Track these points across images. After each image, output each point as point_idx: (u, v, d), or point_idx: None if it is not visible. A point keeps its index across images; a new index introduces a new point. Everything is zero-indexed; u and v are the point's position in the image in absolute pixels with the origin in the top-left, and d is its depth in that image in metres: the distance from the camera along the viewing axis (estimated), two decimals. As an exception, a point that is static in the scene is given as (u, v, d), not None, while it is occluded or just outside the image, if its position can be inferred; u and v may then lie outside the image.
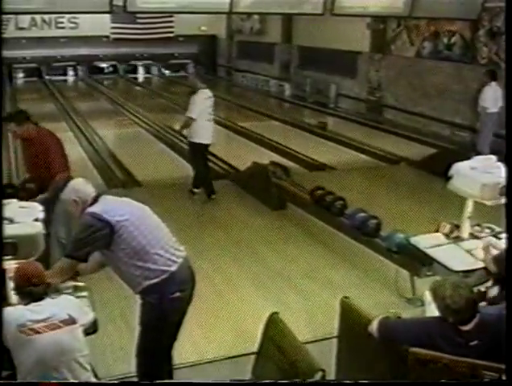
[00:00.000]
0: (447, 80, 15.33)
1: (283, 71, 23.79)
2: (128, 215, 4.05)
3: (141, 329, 4.14)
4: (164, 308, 4.01)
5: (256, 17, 24.30)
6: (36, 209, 4.61)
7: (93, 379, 3.62)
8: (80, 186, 4.26)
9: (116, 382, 4.46)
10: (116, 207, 4.10)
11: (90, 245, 3.99)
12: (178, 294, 4.04)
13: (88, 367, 3.58)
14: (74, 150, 12.97)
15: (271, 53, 24.53)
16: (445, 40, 15.49)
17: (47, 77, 26.94)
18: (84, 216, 4.06)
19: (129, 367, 4.45)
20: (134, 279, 4.04)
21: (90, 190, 4.22)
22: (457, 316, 3.46)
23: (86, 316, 3.70)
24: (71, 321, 3.50)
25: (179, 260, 4.14)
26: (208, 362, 5.02)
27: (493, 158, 5.79)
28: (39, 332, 3.38)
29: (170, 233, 4.28)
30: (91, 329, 3.77)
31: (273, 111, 19.54)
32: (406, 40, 17.05)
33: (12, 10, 7.98)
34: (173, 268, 4.06)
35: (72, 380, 3.43)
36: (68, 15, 24.07)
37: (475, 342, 3.43)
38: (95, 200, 4.14)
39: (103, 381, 4.51)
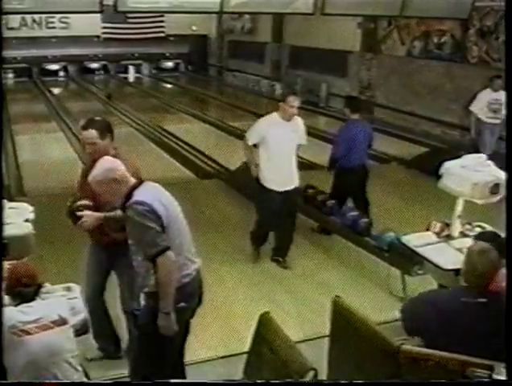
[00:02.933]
0: (437, 79, 15.37)
1: (274, 71, 23.81)
2: (171, 210, 3.91)
3: (137, 333, 4.12)
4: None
5: (247, 16, 24.31)
6: (27, 210, 4.59)
7: (85, 380, 3.61)
8: (114, 163, 3.98)
9: (110, 382, 4.45)
10: (160, 199, 3.88)
11: (159, 231, 3.76)
12: (183, 305, 3.95)
13: (79, 368, 3.57)
14: (65, 150, 12.98)
15: (262, 52, 24.54)
16: (435, 39, 15.54)
17: (37, 77, 26.87)
18: (132, 206, 3.77)
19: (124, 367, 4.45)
20: (146, 278, 3.90)
21: (124, 168, 3.96)
22: (483, 280, 3.71)
23: (77, 316, 3.68)
24: (61, 321, 3.49)
25: (194, 273, 4.05)
26: (201, 362, 5.01)
27: (484, 156, 5.81)
28: (29, 333, 3.37)
29: (191, 239, 4.18)
30: (82, 329, 3.76)
31: (264, 110, 19.50)
32: (396, 39, 17.09)
33: (2, 9, 7.95)
34: (186, 279, 3.97)
35: (63, 381, 3.42)
36: (58, 15, 24.01)
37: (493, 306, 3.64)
38: (138, 184, 3.92)
39: (98, 381, 4.52)
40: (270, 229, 7.22)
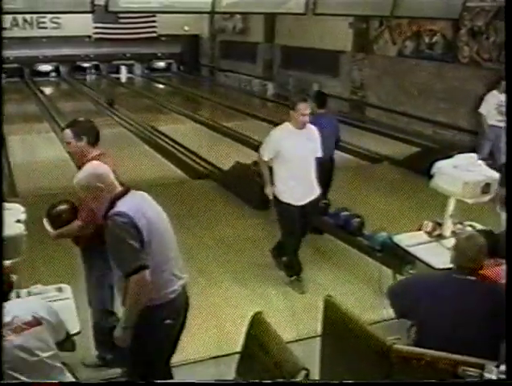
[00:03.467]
0: (429, 79, 15.40)
1: (266, 71, 23.81)
2: (155, 224, 3.75)
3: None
4: (148, 333, 3.79)
5: (239, 16, 24.30)
6: (18, 210, 4.58)
7: (70, 378, 3.57)
8: (102, 170, 3.86)
9: (110, 382, 4.45)
10: (144, 212, 3.73)
11: (137, 248, 3.60)
12: (169, 321, 3.84)
13: (60, 365, 3.50)
14: (56, 151, 12.94)
15: (254, 52, 24.53)
16: (427, 39, 15.57)
17: (28, 77, 26.80)
18: (112, 217, 3.64)
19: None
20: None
21: (112, 176, 3.84)
22: (472, 263, 3.92)
23: (54, 316, 3.59)
24: (35, 322, 3.41)
25: (180, 289, 3.89)
26: (193, 362, 5.01)
27: (475, 156, 5.83)
28: (3, 337, 3.29)
29: (178, 252, 4.01)
30: (62, 330, 3.67)
31: (256, 110, 19.54)
32: (388, 39, 17.12)
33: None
34: (173, 295, 3.83)
35: (45, 381, 3.37)
36: (49, 15, 23.94)
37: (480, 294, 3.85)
38: (123, 194, 3.78)
39: (97, 381, 4.52)
40: (297, 244, 6.67)
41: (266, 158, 6.47)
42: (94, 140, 4.69)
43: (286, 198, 6.35)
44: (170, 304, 3.82)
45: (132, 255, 3.60)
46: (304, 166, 6.37)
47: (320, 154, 6.55)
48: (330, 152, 8.03)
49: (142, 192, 3.95)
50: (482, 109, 11.02)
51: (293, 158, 6.26)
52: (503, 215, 4.83)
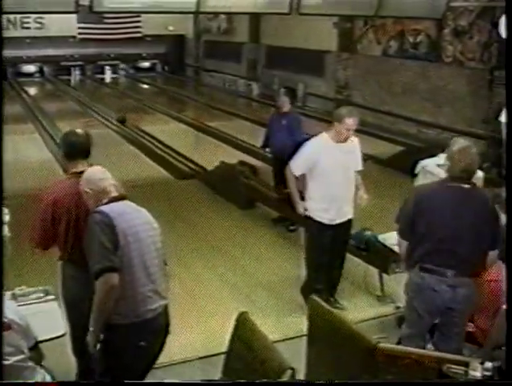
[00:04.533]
0: (413, 79, 15.48)
1: (251, 71, 23.83)
2: (139, 236, 3.66)
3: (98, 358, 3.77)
4: (120, 352, 3.66)
5: (223, 16, 24.30)
6: (2, 212, 4.54)
7: (45, 375, 3.53)
8: (94, 176, 3.84)
9: (109, 382, 4.43)
10: (128, 219, 3.67)
11: (109, 249, 3.51)
12: (143, 344, 3.66)
13: (31, 365, 3.44)
14: (41, 152, 12.89)
15: (239, 52, 24.54)
16: (411, 39, 15.65)
17: (12, 78, 26.63)
18: (93, 214, 3.65)
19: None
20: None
21: (107, 183, 3.79)
22: (465, 173, 4.16)
23: (24, 321, 3.51)
24: (6, 326, 3.33)
25: (160, 310, 3.74)
26: (179, 363, 5.00)
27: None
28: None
29: (161, 274, 3.84)
30: (32, 336, 3.59)
31: (241, 110, 19.55)
32: (372, 39, 17.18)
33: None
34: (149, 315, 3.67)
35: (18, 381, 3.32)
36: (33, 15, 23.82)
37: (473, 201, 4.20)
38: (113, 200, 3.74)
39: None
40: (322, 269, 6.02)
41: (297, 173, 5.84)
42: (74, 154, 4.32)
43: (319, 216, 5.78)
44: (147, 324, 3.67)
45: (101, 254, 3.51)
46: (343, 183, 5.78)
47: (360, 167, 6.06)
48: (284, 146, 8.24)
49: (133, 205, 3.88)
50: (502, 117, 11.06)
51: (331, 173, 5.66)
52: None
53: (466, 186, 4.18)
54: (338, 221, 5.83)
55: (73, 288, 4.28)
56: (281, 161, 8.26)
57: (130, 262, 3.59)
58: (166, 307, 3.83)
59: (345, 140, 5.70)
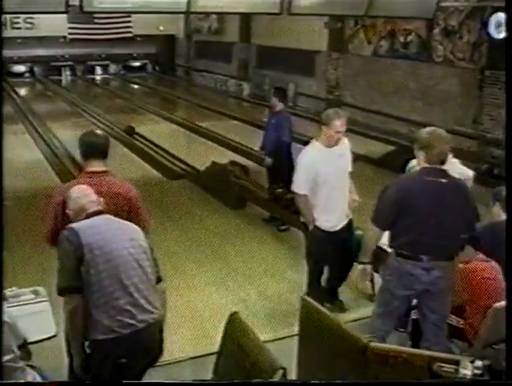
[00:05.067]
0: (403, 78, 15.52)
1: (242, 71, 23.83)
2: (113, 242, 3.59)
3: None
4: (102, 369, 3.54)
5: (214, 16, 24.30)
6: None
7: (35, 376, 3.52)
8: (72, 194, 3.87)
9: (108, 382, 4.42)
10: (99, 228, 3.62)
11: (74, 269, 3.46)
12: (123, 361, 3.50)
13: (21, 365, 3.43)
14: (31, 152, 12.86)
15: (230, 52, 24.54)
16: (401, 39, 15.68)
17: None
18: (64, 228, 3.65)
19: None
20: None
21: (85, 201, 3.77)
22: (440, 156, 4.31)
23: (13, 320, 3.49)
24: None
25: (142, 325, 3.55)
26: (169, 363, 4.99)
27: (449, 154, 5.86)
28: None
29: (149, 279, 3.70)
30: (20, 335, 3.59)
31: (232, 110, 19.55)
32: (363, 39, 17.21)
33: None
34: (126, 330, 3.50)
35: (8, 381, 3.31)
36: (23, 15, 23.73)
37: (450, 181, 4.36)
38: (90, 215, 3.72)
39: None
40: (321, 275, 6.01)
41: (303, 193, 5.57)
42: (90, 155, 4.37)
43: (322, 225, 5.65)
44: (122, 340, 3.51)
45: (63, 273, 3.51)
46: (339, 187, 5.69)
47: (350, 168, 5.95)
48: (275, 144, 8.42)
49: (111, 217, 3.80)
50: None
51: (329, 181, 5.52)
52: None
53: (443, 180, 4.32)
54: (339, 227, 5.74)
55: None
56: (273, 159, 8.35)
57: (99, 275, 3.49)
58: (155, 323, 3.66)
59: (336, 143, 5.58)
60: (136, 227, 3.85)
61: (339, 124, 5.47)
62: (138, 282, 3.60)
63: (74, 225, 3.62)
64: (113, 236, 3.65)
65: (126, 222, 3.87)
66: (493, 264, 4.63)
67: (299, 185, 5.54)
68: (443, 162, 4.35)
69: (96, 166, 4.31)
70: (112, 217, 3.79)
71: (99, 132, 4.62)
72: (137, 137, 14.77)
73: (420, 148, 4.38)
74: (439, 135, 4.41)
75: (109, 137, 4.60)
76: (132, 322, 3.52)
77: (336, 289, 6.13)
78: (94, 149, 4.36)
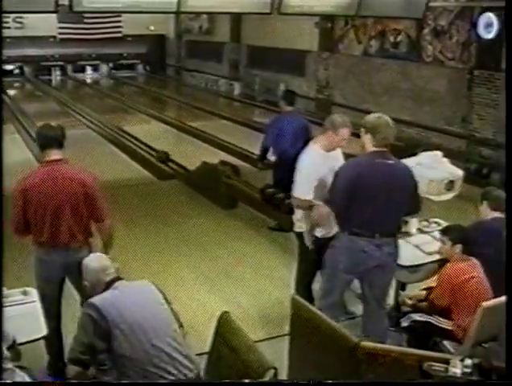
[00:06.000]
0: (393, 78, 15.55)
1: (232, 71, 23.82)
2: (129, 314, 3.57)
3: None
4: None
5: (204, 16, 24.27)
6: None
7: (23, 377, 3.51)
8: (90, 265, 3.91)
9: (108, 382, 4.41)
10: (121, 303, 3.63)
11: (88, 344, 3.55)
12: None
13: (10, 366, 3.42)
14: (21, 153, 12.79)
15: (220, 52, 24.53)
16: (391, 39, 15.71)
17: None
18: (85, 303, 3.69)
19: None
20: None
21: (103, 275, 3.80)
22: (385, 140, 4.67)
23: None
24: None
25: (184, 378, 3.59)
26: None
27: (439, 153, 5.89)
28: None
29: (178, 334, 3.73)
30: (9, 336, 3.58)
31: (222, 110, 19.54)
32: (353, 39, 17.23)
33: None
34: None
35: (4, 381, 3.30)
36: (13, 15, 23.62)
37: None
38: (109, 285, 3.76)
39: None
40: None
41: (309, 197, 5.25)
42: (47, 145, 4.63)
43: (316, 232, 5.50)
44: None
45: (77, 345, 3.59)
46: None
47: None
48: (294, 150, 8.07)
49: (135, 285, 3.87)
50: None
51: (327, 184, 5.18)
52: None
53: (390, 161, 4.67)
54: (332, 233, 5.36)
55: (40, 270, 4.69)
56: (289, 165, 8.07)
57: (132, 346, 3.53)
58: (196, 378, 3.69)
59: (335, 148, 5.51)
60: (149, 284, 3.87)
61: (346, 132, 5.40)
62: (170, 341, 3.63)
63: (96, 302, 3.59)
64: (136, 305, 3.66)
65: (140, 282, 3.92)
66: (474, 262, 4.66)
67: (304, 189, 5.29)
68: (386, 146, 4.69)
69: (52, 155, 4.58)
70: (127, 283, 3.82)
71: (53, 124, 4.85)
72: (127, 136, 14.74)
73: (367, 132, 4.69)
74: (386, 121, 4.73)
75: (64, 128, 4.82)
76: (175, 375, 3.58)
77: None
78: (50, 140, 4.61)
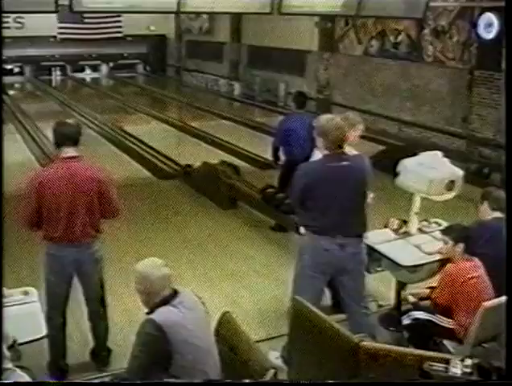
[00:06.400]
0: (394, 78, 15.54)
1: (233, 71, 23.81)
2: (190, 338, 3.51)
3: None
4: None
5: (205, 16, 24.25)
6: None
7: (24, 377, 3.51)
8: (151, 273, 3.65)
9: (108, 382, 4.42)
10: (183, 322, 3.53)
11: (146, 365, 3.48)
12: None
13: (10, 366, 3.42)
14: (22, 153, 12.80)
15: (221, 52, 24.52)
16: (392, 39, 15.70)
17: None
18: (147, 319, 3.53)
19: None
20: None
21: (161, 286, 3.63)
22: (336, 142, 4.60)
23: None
24: None
25: None
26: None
27: (439, 153, 5.89)
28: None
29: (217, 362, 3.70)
30: (9, 335, 3.57)
31: (223, 110, 19.53)
32: (353, 39, 17.22)
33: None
34: None
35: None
36: (13, 15, 23.61)
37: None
38: (169, 299, 3.61)
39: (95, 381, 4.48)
40: None
41: None
42: (63, 142, 4.65)
43: None
44: None
45: (136, 365, 3.52)
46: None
47: None
48: (304, 151, 8.03)
49: (187, 300, 3.71)
50: None
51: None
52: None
53: (344, 163, 4.63)
54: None
55: (51, 266, 4.70)
56: None
57: (183, 371, 3.50)
58: None
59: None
60: (198, 301, 3.81)
61: (362, 128, 5.86)
62: (215, 368, 3.64)
63: (158, 320, 3.47)
64: (196, 331, 3.58)
65: (192, 299, 3.78)
66: (476, 262, 4.66)
67: None
68: (340, 146, 4.64)
69: (68, 152, 4.62)
70: (181, 298, 3.68)
71: (71, 121, 4.92)
72: (127, 136, 14.74)
73: (319, 135, 4.69)
74: (336, 123, 4.67)
75: (80, 125, 4.93)
76: None
77: None
78: (66, 137, 4.64)
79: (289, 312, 4.93)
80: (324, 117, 4.82)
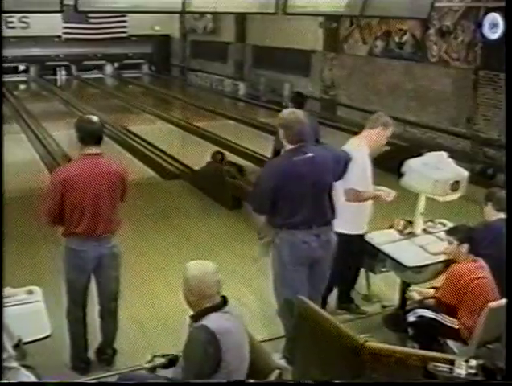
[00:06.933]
0: (398, 78, 15.53)
1: (237, 71, 23.81)
2: (238, 350, 3.53)
3: None
4: None
5: (209, 16, 24.25)
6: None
7: (29, 376, 3.52)
8: (205, 278, 3.73)
9: (108, 382, 4.43)
10: (232, 330, 3.53)
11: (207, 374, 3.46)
12: None
13: (16, 365, 3.42)
14: (26, 153, 12.83)
15: (225, 52, 24.52)
16: (396, 39, 15.69)
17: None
18: (199, 327, 3.51)
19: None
20: None
21: (214, 291, 3.66)
22: (299, 136, 4.64)
23: (6, 320, 3.49)
24: None
25: None
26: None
27: (444, 154, 5.88)
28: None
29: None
30: (14, 335, 3.59)
31: (227, 110, 19.53)
32: (358, 39, 17.21)
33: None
34: None
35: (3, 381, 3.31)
36: (18, 15, 23.66)
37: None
38: (220, 305, 3.62)
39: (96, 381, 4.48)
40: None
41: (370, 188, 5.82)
42: (87, 140, 4.73)
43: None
44: None
45: (195, 374, 3.50)
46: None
47: None
48: None
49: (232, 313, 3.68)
50: None
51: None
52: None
53: (309, 154, 4.63)
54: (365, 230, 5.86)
55: (73, 260, 4.73)
56: None
57: (229, 375, 3.49)
58: None
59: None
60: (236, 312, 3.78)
61: (392, 129, 5.75)
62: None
63: (212, 327, 3.47)
64: (241, 335, 3.61)
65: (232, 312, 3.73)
66: (481, 263, 4.66)
67: (362, 183, 5.64)
68: (303, 140, 4.65)
69: (92, 149, 4.72)
70: (232, 305, 3.72)
71: (95, 118, 4.91)
72: (132, 136, 14.76)
73: (280, 128, 4.73)
74: (297, 117, 4.70)
75: (102, 123, 5.01)
76: None
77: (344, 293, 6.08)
78: (91, 134, 4.72)
79: (278, 313, 4.98)
80: (287, 111, 4.88)
